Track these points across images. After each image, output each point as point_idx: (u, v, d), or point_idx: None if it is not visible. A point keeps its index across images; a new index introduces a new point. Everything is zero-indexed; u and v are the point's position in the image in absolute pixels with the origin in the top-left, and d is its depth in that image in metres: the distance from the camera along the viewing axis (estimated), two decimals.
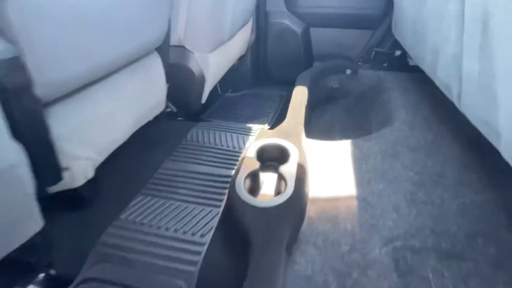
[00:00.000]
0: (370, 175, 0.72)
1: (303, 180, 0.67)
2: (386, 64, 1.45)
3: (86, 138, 0.61)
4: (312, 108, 1.25)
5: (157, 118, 1.03)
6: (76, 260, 0.61)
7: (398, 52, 1.42)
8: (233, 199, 0.61)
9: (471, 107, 0.63)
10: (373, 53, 1.47)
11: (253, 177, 0.70)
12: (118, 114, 0.70)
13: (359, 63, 1.51)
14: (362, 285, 0.48)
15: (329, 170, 0.76)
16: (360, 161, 0.77)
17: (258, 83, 1.70)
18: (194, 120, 1.11)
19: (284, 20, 1.56)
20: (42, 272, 0.60)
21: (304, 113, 1.00)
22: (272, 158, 0.76)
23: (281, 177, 0.68)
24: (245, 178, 0.67)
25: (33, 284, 0.58)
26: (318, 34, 1.61)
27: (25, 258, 0.59)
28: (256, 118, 1.26)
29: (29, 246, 0.60)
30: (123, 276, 0.57)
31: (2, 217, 0.46)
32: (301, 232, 0.59)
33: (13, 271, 0.58)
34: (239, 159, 0.76)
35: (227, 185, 0.73)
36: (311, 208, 0.66)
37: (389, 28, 1.39)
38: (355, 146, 0.83)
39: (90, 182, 0.70)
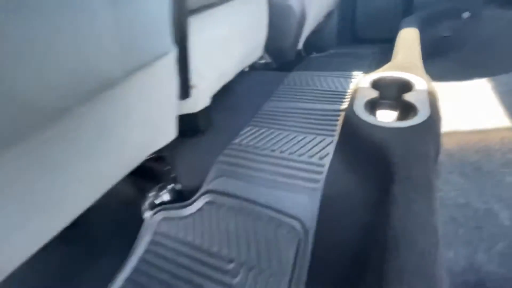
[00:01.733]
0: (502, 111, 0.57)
1: (437, 105, 0.57)
2: None
3: (210, 60, 0.65)
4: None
5: (252, 68, 1.04)
6: (197, 176, 0.66)
7: None
8: (356, 121, 0.56)
9: None
10: None
11: (371, 104, 0.63)
12: (232, 43, 0.72)
13: (478, 5, 1.23)
14: None
15: (454, 108, 0.63)
16: (489, 98, 0.62)
17: (345, 42, 1.57)
18: (287, 71, 1.09)
19: None
20: (170, 184, 0.67)
21: (419, 54, 0.86)
22: (390, 89, 0.67)
23: (405, 106, 0.59)
24: (364, 104, 0.60)
25: (167, 191, 0.65)
26: None
27: (158, 168, 0.67)
28: (351, 69, 1.16)
29: (159, 158, 0.68)
30: (242, 190, 0.59)
31: (155, 110, 0.51)
32: (438, 163, 0.50)
33: (148, 178, 0.67)
34: (351, 91, 0.70)
35: (337, 118, 0.68)
36: (447, 140, 0.55)
37: None
38: (479, 86, 0.67)
39: (204, 114, 0.75)
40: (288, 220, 0.52)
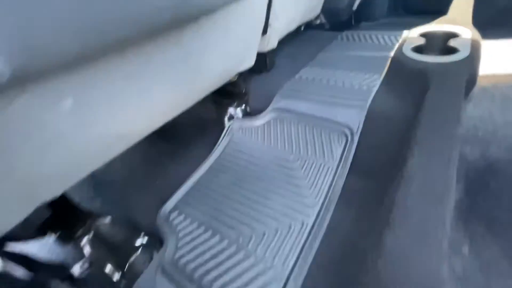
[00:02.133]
0: None
1: (477, 48, 0.66)
2: None
3: (284, 5, 0.80)
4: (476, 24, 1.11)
5: (307, 26, 1.17)
6: (263, 102, 0.84)
7: None
8: (404, 58, 0.68)
9: None
10: None
11: (417, 49, 0.74)
12: (300, 6, 0.86)
13: None
14: None
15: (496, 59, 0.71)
16: None
17: (396, 13, 1.60)
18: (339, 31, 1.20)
19: None
20: (243, 104, 0.86)
21: (471, 14, 0.92)
22: (437, 39, 0.77)
23: (450, 51, 0.70)
24: (411, 48, 0.72)
25: (240, 110, 0.84)
26: None
27: (234, 90, 0.86)
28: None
29: (235, 83, 0.86)
30: (302, 107, 0.75)
31: (245, 39, 0.69)
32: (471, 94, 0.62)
33: (227, 97, 0.86)
34: (400, 40, 0.81)
35: (385, 62, 0.80)
36: (483, 80, 0.65)
37: None
38: None
39: (271, 54, 0.92)
40: (339, 127, 0.68)
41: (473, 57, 0.63)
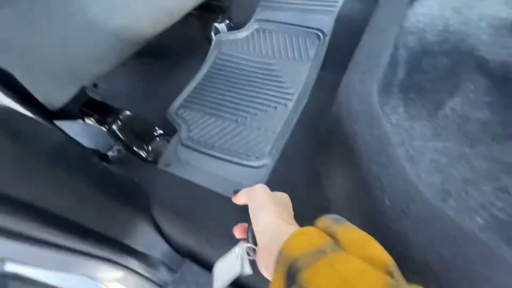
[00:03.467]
0: None
1: None
2: None
3: None
4: None
5: None
6: (244, 15, 0.90)
7: None
8: None
9: None
10: None
11: None
12: None
13: None
14: (471, 14, 0.62)
15: None
16: None
17: None
18: None
19: None
20: (226, 18, 0.92)
21: None
22: None
23: None
24: None
25: (225, 22, 0.91)
26: None
27: (217, 4, 0.91)
28: None
29: None
30: (282, 18, 0.84)
31: None
32: None
33: (211, 12, 0.91)
34: None
35: None
36: None
37: None
38: None
39: None
40: (313, 31, 0.79)
41: None
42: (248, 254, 0.29)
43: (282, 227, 0.27)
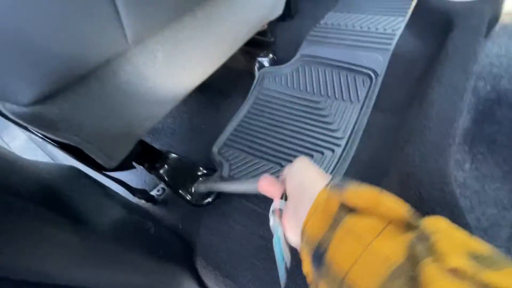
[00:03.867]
0: None
1: None
2: None
3: None
4: None
5: None
6: (289, 50, 0.89)
7: None
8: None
9: None
10: None
11: None
12: None
13: None
14: None
15: None
16: None
17: None
18: None
19: None
20: (271, 52, 0.92)
21: None
22: None
23: None
24: None
25: (268, 57, 0.91)
26: None
27: (263, 40, 0.91)
28: None
29: (263, 32, 0.91)
30: (329, 53, 0.81)
31: None
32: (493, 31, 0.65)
33: (256, 47, 0.92)
34: None
35: (410, 3, 0.82)
36: (505, 18, 0.68)
37: None
38: None
39: (295, 3, 0.93)
40: (364, 70, 0.74)
41: None
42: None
43: (314, 183, 0.27)
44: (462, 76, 0.54)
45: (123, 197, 0.58)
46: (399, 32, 0.74)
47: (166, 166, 0.66)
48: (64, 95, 0.33)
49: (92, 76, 0.36)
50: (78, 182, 0.45)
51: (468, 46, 0.58)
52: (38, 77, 0.29)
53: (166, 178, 0.66)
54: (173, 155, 0.69)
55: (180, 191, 0.66)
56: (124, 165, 0.55)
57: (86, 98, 0.36)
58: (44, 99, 0.31)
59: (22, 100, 0.29)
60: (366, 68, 0.74)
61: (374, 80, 0.73)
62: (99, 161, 0.41)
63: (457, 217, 0.38)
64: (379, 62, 0.74)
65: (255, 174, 0.64)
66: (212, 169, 0.70)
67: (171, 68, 0.49)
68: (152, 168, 0.64)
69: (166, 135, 0.82)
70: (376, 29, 0.80)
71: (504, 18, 0.65)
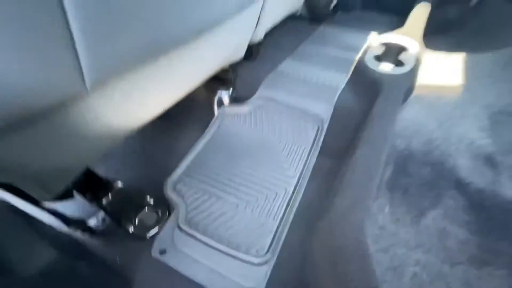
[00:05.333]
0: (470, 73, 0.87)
1: (419, 63, 0.87)
2: None
3: (273, 3, 0.90)
4: (428, 34, 1.33)
5: (291, 18, 1.27)
6: (249, 89, 0.97)
7: None
8: (365, 67, 0.86)
9: None
10: None
11: (377, 58, 0.92)
12: (286, 2, 0.97)
13: None
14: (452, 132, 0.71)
15: (436, 68, 0.93)
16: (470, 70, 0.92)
17: (370, 6, 1.76)
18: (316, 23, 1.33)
19: None
20: (231, 89, 0.97)
21: (423, 29, 1.12)
22: (393, 48, 0.96)
23: (399, 62, 0.89)
24: (372, 56, 0.90)
25: (228, 93, 0.96)
26: None
27: (224, 77, 0.97)
28: (369, 29, 1.40)
29: (225, 70, 0.97)
30: (284, 98, 0.91)
31: (241, 37, 0.79)
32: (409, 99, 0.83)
33: (217, 83, 0.97)
34: (365, 46, 0.98)
35: (351, 64, 0.98)
36: (420, 89, 0.87)
37: None
38: (467, 61, 0.96)
39: (258, 46, 1.02)
40: (312, 116, 0.85)
41: (414, 71, 0.84)
42: None
43: None
44: (383, 135, 0.67)
45: (55, 230, 0.55)
46: (341, 87, 0.88)
47: (109, 195, 0.64)
48: (6, 135, 0.32)
49: (41, 117, 0.35)
50: (5, 220, 0.42)
51: (389, 111, 0.72)
52: None
53: (108, 209, 0.63)
54: (119, 183, 0.67)
55: (122, 222, 0.64)
56: (63, 196, 0.53)
57: (31, 139, 0.35)
58: None
59: None
60: (314, 115, 0.86)
61: (320, 126, 0.84)
62: (33, 194, 0.39)
63: (368, 267, 0.46)
64: (325, 111, 0.86)
65: (213, 218, 0.66)
66: (162, 200, 0.70)
67: (128, 105, 0.50)
68: (94, 198, 0.61)
69: (114, 158, 0.79)
70: (324, 82, 0.93)
71: (417, 90, 0.83)
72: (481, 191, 0.58)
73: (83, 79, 0.34)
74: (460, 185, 0.61)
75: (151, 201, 0.69)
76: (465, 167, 0.61)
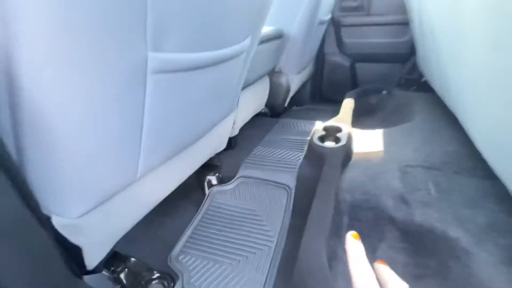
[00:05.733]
0: (389, 142, 1.24)
1: (351, 139, 1.22)
2: (414, 87, 1.95)
3: (248, 107, 1.27)
4: (356, 118, 1.80)
5: (256, 115, 1.69)
6: (231, 171, 1.23)
7: (424, 78, 1.92)
8: (313, 145, 1.19)
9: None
10: (404, 79, 1.99)
11: (321, 138, 1.27)
12: (252, 101, 1.37)
13: (393, 86, 2.04)
14: (379, 184, 0.99)
15: (364, 142, 1.30)
16: (385, 137, 1.30)
17: (315, 101, 2.32)
18: (277, 117, 1.76)
19: (336, 58, 2.20)
20: (218, 173, 1.23)
21: (351, 115, 1.57)
22: (332, 130, 1.33)
23: (337, 139, 1.24)
24: (317, 137, 1.25)
25: (216, 176, 1.20)
26: (362, 67, 2.20)
27: (212, 163, 1.23)
28: (316, 119, 1.85)
29: (212, 159, 1.24)
30: (259, 175, 1.17)
31: (223, 134, 1.10)
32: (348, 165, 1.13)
33: (207, 169, 1.22)
34: (313, 130, 1.34)
35: (305, 143, 1.32)
36: (356, 155, 1.20)
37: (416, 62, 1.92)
38: (384, 134, 1.36)
39: (235, 138, 1.35)
40: (282, 186, 1.10)
41: (348, 144, 1.18)
42: None
43: None
44: (332, 192, 0.92)
45: None
46: (299, 162, 1.18)
47: (126, 269, 0.77)
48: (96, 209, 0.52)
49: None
50: None
51: (332, 173, 1.00)
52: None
53: (125, 281, 0.75)
54: (133, 259, 0.81)
55: None
56: (97, 268, 0.66)
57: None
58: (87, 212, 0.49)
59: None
60: (283, 184, 1.11)
61: (289, 192, 1.08)
62: (87, 261, 0.55)
63: None
64: (290, 181, 1.12)
65: (212, 279, 0.80)
66: (168, 274, 0.82)
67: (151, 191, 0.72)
68: (114, 271, 0.74)
69: (122, 240, 0.93)
70: (287, 159, 1.23)
71: (354, 157, 1.15)
72: (403, 222, 0.81)
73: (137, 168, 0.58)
74: (392, 221, 0.84)
75: (157, 274, 0.82)
76: (390, 207, 0.86)
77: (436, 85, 1.44)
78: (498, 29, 0.57)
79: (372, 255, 0.82)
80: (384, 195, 0.91)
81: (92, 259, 0.57)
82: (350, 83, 2.23)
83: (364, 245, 0.73)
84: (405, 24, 1.94)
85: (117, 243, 0.92)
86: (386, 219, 0.86)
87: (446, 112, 1.40)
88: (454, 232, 0.73)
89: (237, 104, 1.12)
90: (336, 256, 0.80)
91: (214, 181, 1.20)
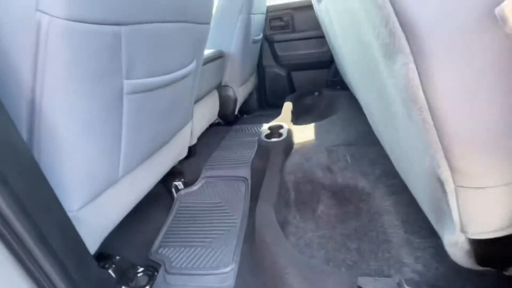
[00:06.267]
0: (320, 133, 1.55)
1: (291, 134, 1.50)
2: (339, 87, 2.37)
3: (203, 118, 1.46)
4: (295, 116, 2.12)
5: (212, 125, 1.90)
6: (194, 175, 1.40)
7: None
8: (261, 141, 1.44)
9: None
10: (330, 82, 2.41)
11: (267, 136, 1.53)
12: (207, 114, 1.57)
13: (323, 88, 2.44)
14: (312, 162, 1.28)
15: (302, 134, 1.59)
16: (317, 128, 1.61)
17: (262, 107, 2.62)
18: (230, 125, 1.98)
19: (274, 69, 2.55)
20: (182, 178, 1.38)
21: (291, 114, 1.87)
22: (275, 129, 1.60)
23: (280, 135, 1.51)
24: (264, 135, 1.50)
25: (181, 181, 1.36)
26: (296, 75, 2.58)
27: (176, 170, 1.38)
28: (263, 122, 2.12)
29: (176, 166, 1.40)
30: (219, 173, 1.36)
31: (184, 142, 1.28)
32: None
33: (172, 175, 1.37)
34: (261, 130, 1.60)
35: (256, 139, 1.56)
36: (295, 146, 1.48)
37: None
38: (315, 126, 1.68)
39: (194, 146, 1.53)
40: (241, 178, 1.31)
41: (288, 138, 1.45)
42: None
43: None
44: (277, 173, 1.17)
45: None
46: (252, 156, 1.41)
47: (113, 265, 0.89)
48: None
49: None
50: None
51: (278, 161, 1.25)
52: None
53: (114, 275, 0.87)
54: (118, 257, 0.93)
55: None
56: None
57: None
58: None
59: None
60: (241, 177, 1.32)
61: (246, 182, 1.30)
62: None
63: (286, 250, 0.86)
64: (246, 172, 1.34)
65: (191, 258, 0.96)
66: (151, 266, 0.96)
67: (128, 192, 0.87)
68: (103, 267, 0.86)
69: (104, 242, 1.04)
70: (242, 156, 1.45)
71: (295, 146, 1.42)
72: (331, 185, 1.09)
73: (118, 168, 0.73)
74: (323, 186, 1.11)
75: (141, 268, 0.95)
76: (321, 176, 1.13)
77: (349, 85, 1.83)
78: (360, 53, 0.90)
79: (314, 213, 1.08)
80: (316, 169, 1.18)
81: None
82: (288, 89, 2.59)
83: (307, 208, 0.98)
84: (323, 37, 2.37)
85: (100, 244, 1.03)
86: (320, 186, 1.13)
87: (358, 104, 1.80)
88: (361, 183, 1.02)
89: (192, 115, 1.31)
90: (287, 221, 1.04)
91: (180, 186, 1.35)
